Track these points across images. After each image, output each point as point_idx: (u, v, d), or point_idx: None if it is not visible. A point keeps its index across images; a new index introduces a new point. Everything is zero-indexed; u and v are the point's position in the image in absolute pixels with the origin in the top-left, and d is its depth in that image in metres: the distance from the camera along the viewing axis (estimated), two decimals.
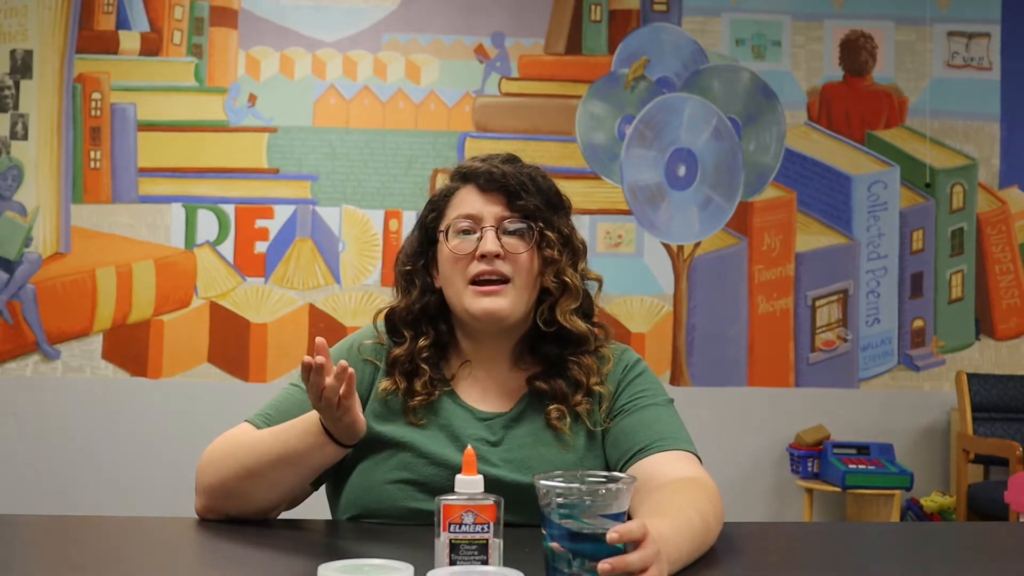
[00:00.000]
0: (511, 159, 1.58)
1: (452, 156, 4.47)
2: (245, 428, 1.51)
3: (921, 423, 4.59)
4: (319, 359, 1.27)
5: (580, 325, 1.53)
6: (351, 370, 1.29)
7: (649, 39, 4.60)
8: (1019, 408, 4.38)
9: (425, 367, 1.53)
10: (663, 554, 1.10)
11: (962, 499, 4.15)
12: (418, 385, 1.52)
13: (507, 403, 1.55)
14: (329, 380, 1.28)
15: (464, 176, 1.55)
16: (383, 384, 1.53)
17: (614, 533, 1.03)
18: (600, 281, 1.60)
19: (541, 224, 1.52)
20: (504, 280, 1.50)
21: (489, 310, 1.49)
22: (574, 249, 1.56)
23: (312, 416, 1.38)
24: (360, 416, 1.35)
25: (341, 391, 1.29)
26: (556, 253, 1.52)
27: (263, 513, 1.46)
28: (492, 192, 1.52)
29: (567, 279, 1.52)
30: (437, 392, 1.53)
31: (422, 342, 1.54)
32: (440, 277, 1.55)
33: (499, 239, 1.50)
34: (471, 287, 1.50)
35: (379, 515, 1.49)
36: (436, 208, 1.57)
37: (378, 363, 1.56)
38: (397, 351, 1.54)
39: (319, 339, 1.30)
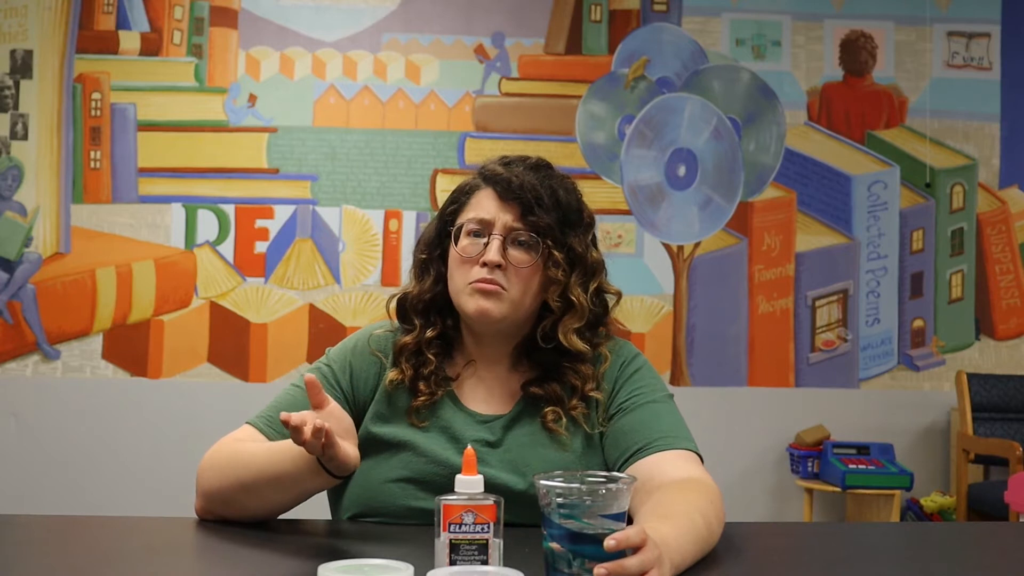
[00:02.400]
0: (539, 165, 1.56)
1: (452, 156, 4.47)
2: (248, 431, 1.51)
3: (921, 423, 4.59)
4: (295, 419, 1.24)
5: (579, 344, 1.51)
6: (326, 426, 1.25)
7: (649, 39, 4.60)
8: (1019, 408, 4.38)
9: (430, 356, 1.53)
10: (665, 558, 1.10)
11: (962, 499, 4.15)
12: (422, 383, 1.52)
13: (506, 405, 1.55)
14: (307, 438, 1.24)
15: (486, 177, 1.55)
16: (390, 375, 1.53)
17: (611, 541, 1.02)
18: (619, 295, 1.59)
19: (549, 242, 1.50)
20: (501, 288, 1.49)
21: (481, 310, 1.49)
22: (587, 268, 1.53)
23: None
24: (350, 454, 1.31)
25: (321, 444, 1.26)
26: (561, 273, 1.50)
27: (261, 519, 1.45)
28: (508, 200, 1.51)
29: (573, 298, 1.51)
30: (440, 392, 1.53)
31: (429, 333, 1.55)
32: (448, 271, 1.55)
33: (505, 249, 1.49)
34: (469, 286, 1.50)
35: (379, 514, 1.49)
36: (456, 202, 1.57)
37: (384, 359, 1.56)
38: (405, 339, 1.55)
39: (308, 376, 1.29)
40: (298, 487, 1.39)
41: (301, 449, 1.32)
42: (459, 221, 1.54)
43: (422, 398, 1.52)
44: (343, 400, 1.54)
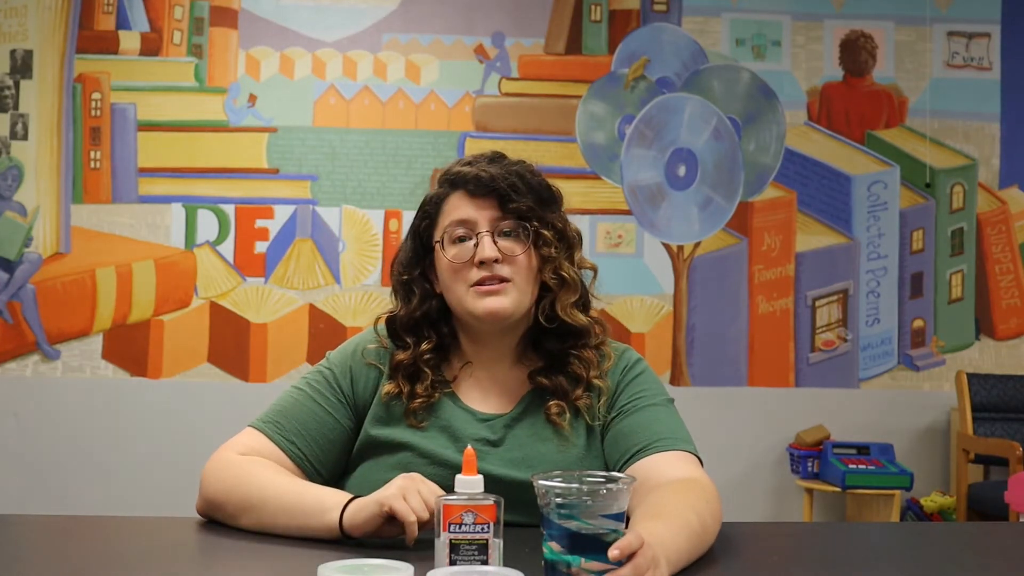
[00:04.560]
0: (496, 157, 1.56)
1: (452, 156, 4.46)
2: (253, 436, 1.51)
3: (921, 423, 4.59)
4: (410, 518, 1.26)
5: (580, 318, 1.53)
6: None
7: (649, 39, 4.60)
8: (1019, 408, 4.38)
9: (427, 370, 1.53)
10: (661, 558, 1.10)
11: (962, 499, 4.15)
12: (419, 388, 1.52)
13: (508, 403, 1.55)
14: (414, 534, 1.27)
15: (452, 182, 1.54)
16: (386, 388, 1.53)
17: (615, 550, 1.03)
18: (595, 270, 1.60)
19: (535, 223, 1.51)
20: (505, 281, 1.49)
21: (492, 310, 1.49)
22: (569, 242, 1.55)
23: (334, 502, 1.35)
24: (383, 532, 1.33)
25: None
26: (553, 250, 1.52)
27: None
28: (483, 196, 1.51)
29: (564, 273, 1.52)
30: (437, 394, 1.53)
31: (424, 346, 1.54)
32: (440, 284, 1.54)
33: (495, 243, 1.50)
34: (472, 289, 1.49)
35: None
36: (428, 216, 1.56)
37: (381, 367, 1.56)
38: (400, 356, 1.54)
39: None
40: (309, 534, 1.38)
41: (329, 520, 1.34)
42: (438, 233, 1.53)
43: (419, 400, 1.51)
44: (345, 403, 1.54)
